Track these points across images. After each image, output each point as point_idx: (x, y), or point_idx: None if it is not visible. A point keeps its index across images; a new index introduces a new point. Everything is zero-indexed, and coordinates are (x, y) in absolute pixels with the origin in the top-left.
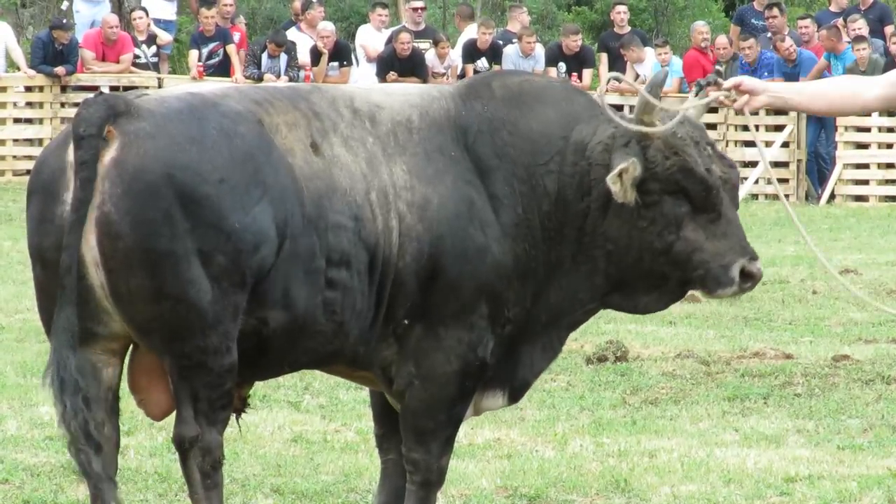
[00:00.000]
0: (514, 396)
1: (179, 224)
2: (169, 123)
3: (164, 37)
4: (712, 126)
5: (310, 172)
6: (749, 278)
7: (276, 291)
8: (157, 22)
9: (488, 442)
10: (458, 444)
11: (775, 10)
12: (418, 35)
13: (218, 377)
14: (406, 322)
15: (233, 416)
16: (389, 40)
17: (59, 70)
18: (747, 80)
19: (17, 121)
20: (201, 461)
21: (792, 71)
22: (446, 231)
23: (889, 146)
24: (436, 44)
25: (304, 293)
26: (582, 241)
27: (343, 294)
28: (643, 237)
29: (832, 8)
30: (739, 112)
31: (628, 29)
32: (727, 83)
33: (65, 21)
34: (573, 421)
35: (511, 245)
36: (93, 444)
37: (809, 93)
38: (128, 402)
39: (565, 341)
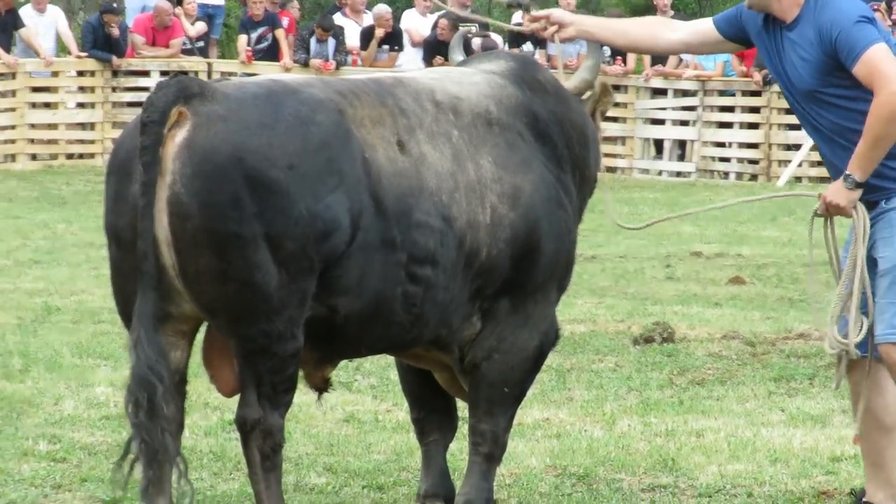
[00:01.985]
0: None
1: (247, 207)
2: (243, 107)
3: (198, 28)
4: (755, 109)
5: (394, 170)
6: None
7: (347, 279)
8: (206, 7)
9: (537, 422)
10: None
11: None
12: (463, 20)
13: (282, 362)
14: (494, 297)
15: (314, 394)
16: (435, 25)
17: (115, 61)
18: (557, 13)
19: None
20: (262, 443)
21: None
22: (542, 214)
23: None
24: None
25: (380, 284)
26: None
27: (425, 289)
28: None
29: None
30: (550, 40)
31: (671, 13)
32: (541, 13)
33: (115, 5)
34: (621, 401)
35: (575, 234)
36: (157, 421)
37: (614, 29)
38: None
39: None
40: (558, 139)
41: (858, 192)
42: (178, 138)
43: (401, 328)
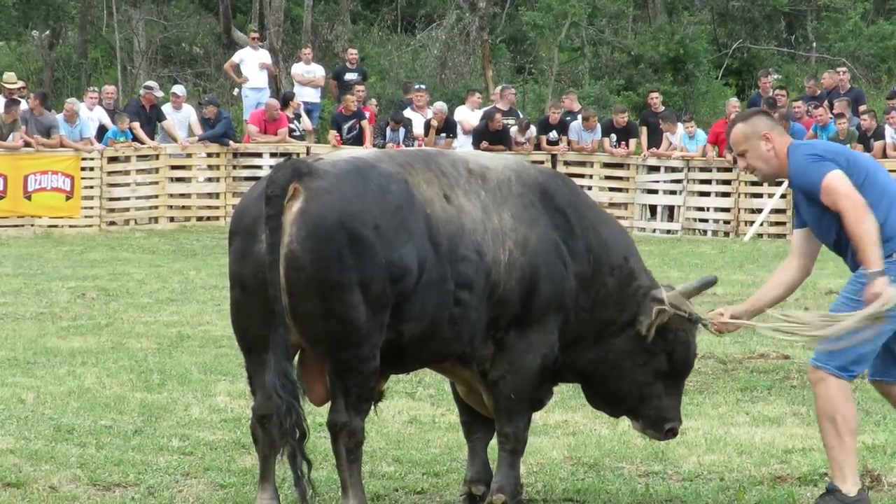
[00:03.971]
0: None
1: (347, 260)
2: (341, 182)
3: (307, 124)
4: (728, 182)
5: (445, 217)
6: (671, 434)
7: (413, 309)
8: (306, 104)
9: (558, 423)
10: (535, 425)
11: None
12: (505, 114)
13: (365, 378)
14: (505, 328)
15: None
16: (483, 117)
17: (233, 145)
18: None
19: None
20: (347, 441)
21: None
22: (542, 261)
23: None
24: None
25: (436, 310)
26: (599, 337)
27: (464, 310)
28: (633, 368)
29: (808, 91)
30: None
31: (662, 109)
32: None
33: (206, 98)
34: None
35: (575, 285)
36: (300, 433)
37: (761, 302)
38: None
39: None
40: (571, 217)
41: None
42: (294, 208)
43: (446, 343)
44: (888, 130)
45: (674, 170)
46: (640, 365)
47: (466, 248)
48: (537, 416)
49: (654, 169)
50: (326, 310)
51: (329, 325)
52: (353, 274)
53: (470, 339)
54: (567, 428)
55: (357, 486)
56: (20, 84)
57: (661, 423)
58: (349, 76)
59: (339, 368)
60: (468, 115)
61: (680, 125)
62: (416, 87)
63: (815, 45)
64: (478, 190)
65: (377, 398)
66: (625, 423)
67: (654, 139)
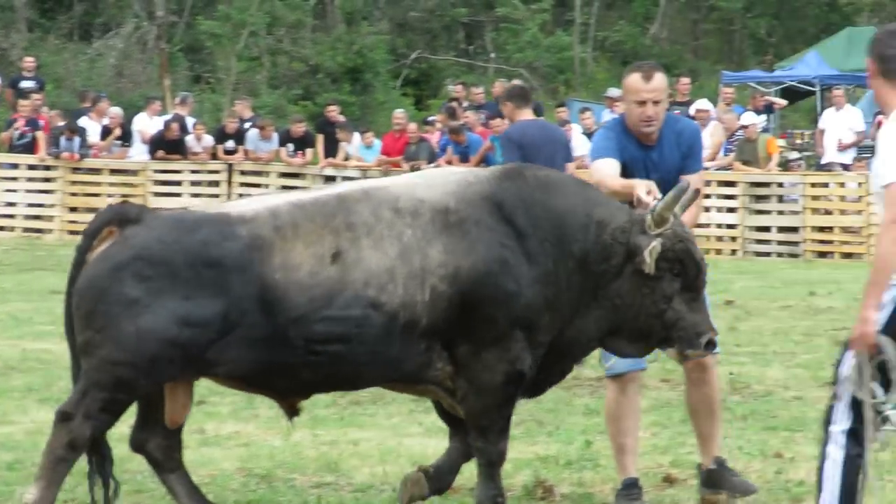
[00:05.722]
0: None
1: (131, 293)
2: (151, 231)
3: None
4: None
5: (311, 282)
6: (711, 346)
7: (229, 355)
8: None
9: (230, 434)
10: (207, 436)
11: None
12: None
13: (110, 386)
14: (452, 347)
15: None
16: (165, 126)
17: None
18: None
19: None
20: (63, 437)
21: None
22: (478, 287)
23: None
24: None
25: (270, 358)
26: (597, 295)
27: (332, 357)
28: (643, 301)
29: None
30: None
31: (340, 119)
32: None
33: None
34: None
35: (542, 290)
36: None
37: None
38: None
39: (572, 369)
40: (521, 220)
41: None
42: (100, 249)
43: (313, 379)
44: None
45: (351, 180)
46: (648, 295)
47: (341, 307)
48: (210, 428)
49: (330, 179)
50: (93, 338)
51: (95, 336)
52: (123, 306)
53: (389, 368)
54: (239, 439)
55: (52, 484)
56: None
57: (695, 340)
58: (25, 84)
59: (90, 365)
60: (147, 124)
61: (357, 135)
62: (97, 95)
63: (493, 55)
64: (402, 231)
65: (292, 412)
66: (298, 433)
67: (332, 149)
